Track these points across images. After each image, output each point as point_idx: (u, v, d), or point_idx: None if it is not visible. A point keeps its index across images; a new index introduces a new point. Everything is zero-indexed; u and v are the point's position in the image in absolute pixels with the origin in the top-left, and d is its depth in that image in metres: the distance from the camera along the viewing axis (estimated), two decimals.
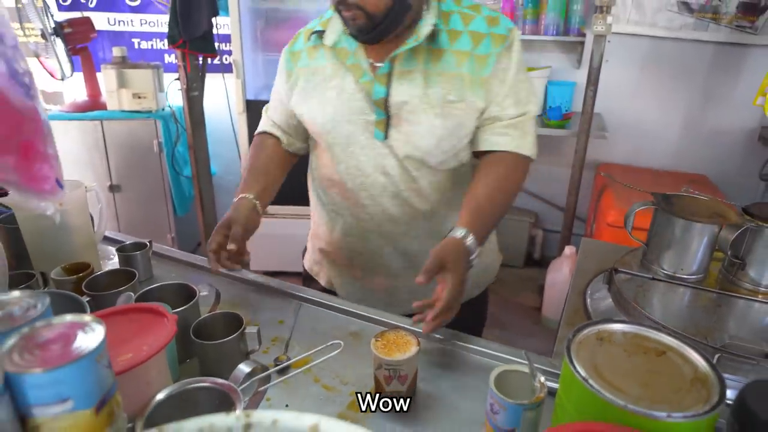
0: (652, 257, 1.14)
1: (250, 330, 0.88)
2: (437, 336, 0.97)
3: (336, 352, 0.74)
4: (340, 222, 1.18)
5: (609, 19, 2.23)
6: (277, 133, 1.22)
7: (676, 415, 0.50)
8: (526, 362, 0.74)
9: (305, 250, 1.39)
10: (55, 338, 0.45)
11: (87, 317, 0.47)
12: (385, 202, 1.09)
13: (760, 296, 1.05)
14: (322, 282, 1.31)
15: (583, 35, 2.80)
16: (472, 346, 0.94)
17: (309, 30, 1.12)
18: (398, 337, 0.84)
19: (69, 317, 0.47)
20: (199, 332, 0.86)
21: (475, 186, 1.00)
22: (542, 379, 0.71)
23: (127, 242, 1.21)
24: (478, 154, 1.08)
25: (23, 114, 0.48)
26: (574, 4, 2.78)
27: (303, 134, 1.21)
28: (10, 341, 0.44)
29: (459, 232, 0.91)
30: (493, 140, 1.02)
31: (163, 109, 2.84)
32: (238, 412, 0.37)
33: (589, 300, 1.18)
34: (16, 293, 0.51)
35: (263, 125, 1.25)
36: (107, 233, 1.36)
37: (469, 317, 1.13)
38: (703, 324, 0.97)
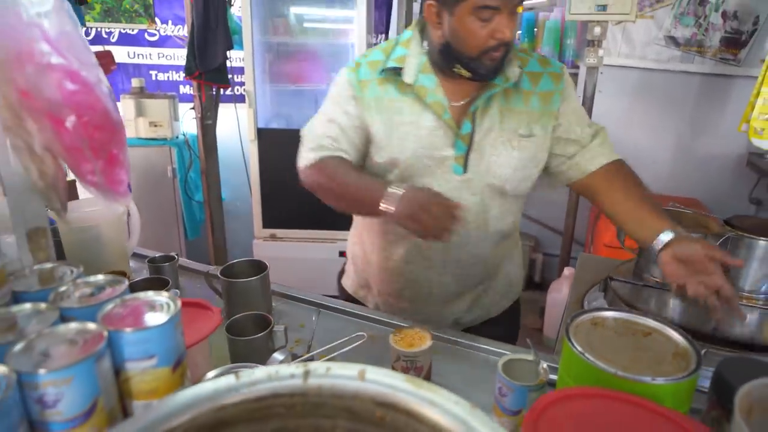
0: (644, 266, 1.23)
1: (278, 328, 0.97)
2: (448, 337, 1.06)
3: (360, 342, 0.83)
4: (401, 250, 1.20)
5: (600, 52, 2.38)
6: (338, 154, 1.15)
7: (660, 379, 0.59)
8: (530, 353, 0.82)
9: (342, 272, 1.43)
10: (140, 308, 0.55)
11: (164, 293, 0.57)
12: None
13: (743, 300, 1.14)
14: (370, 306, 1.32)
15: (577, 67, 2.96)
16: (479, 345, 1.03)
17: (375, 62, 1.13)
18: (414, 333, 0.92)
19: (151, 293, 0.57)
20: (231, 330, 0.94)
21: (633, 193, 1.10)
22: (545, 365, 0.79)
23: (157, 255, 1.30)
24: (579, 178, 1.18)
25: (116, 125, 0.59)
26: (567, 39, 2.95)
27: (361, 152, 1.18)
28: (108, 307, 0.53)
29: (668, 235, 0.97)
30: (599, 160, 1.15)
31: (177, 137, 2.97)
32: (297, 362, 0.46)
33: (586, 307, 1.27)
34: (99, 276, 0.61)
35: (314, 155, 1.14)
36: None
37: (506, 326, 1.28)
38: (690, 324, 1.06)
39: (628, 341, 0.68)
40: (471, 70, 1.04)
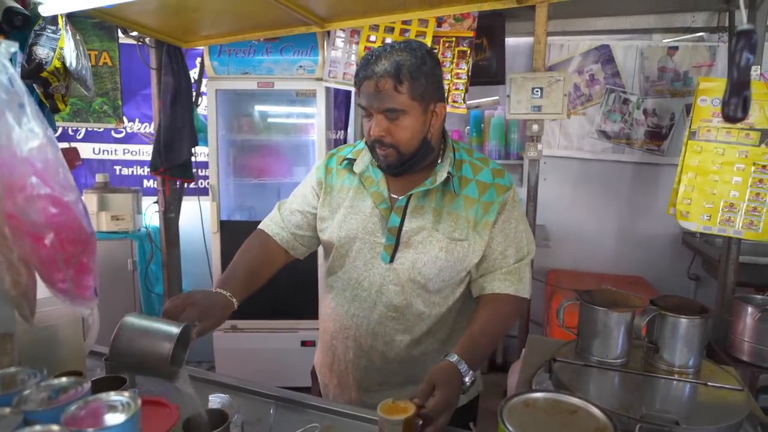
0: (583, 346, 1.32)
1: (235, 424, 0.99)
2: None
3: None
4: (331, 325, 1.29)
5: (539, 146, 2.61)
6: (282, 233, 1.32)
7: None
8: None
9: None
10: (101, 408, 0.59)
11: (126, 393, 0.61)
12: (372, 316, 1.21)
13: (675, 375, 1.23)
14: (320, 379, 1.39)
15: (521, 159, 3.22)
16: None
17: (342, 156, 1.28)
18: (400, 404, 0.95)
19: (112, 394, 0.61)
20: (188, 427, 0.96)
21: (475, 319, 1.14)
22: None
23: None
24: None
25: (88, 237, 0.65)
26: (511, 134, 3.23)
27: (307, 240, 1.33)
28: (70, 409, 0.57)
29: (453, 357, 1.03)
30: (495, 286, 1.18)
31: (139, 230, 3.00)
32: None
33: (534, 388, 1.32)
34: (63, 379, 0.65)
35: (269, 222, 1.35)
36: None
37: (458, 421, 1.26)
38: (626, 400, 1.13)
39: (557, 419, 0.75)
40: (376, 161, 1.16)
